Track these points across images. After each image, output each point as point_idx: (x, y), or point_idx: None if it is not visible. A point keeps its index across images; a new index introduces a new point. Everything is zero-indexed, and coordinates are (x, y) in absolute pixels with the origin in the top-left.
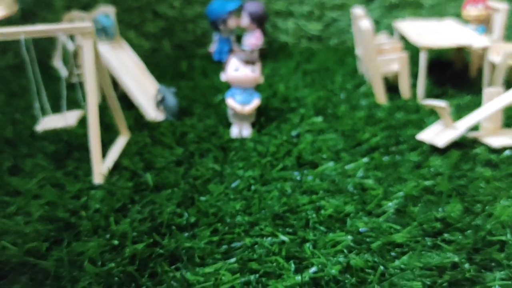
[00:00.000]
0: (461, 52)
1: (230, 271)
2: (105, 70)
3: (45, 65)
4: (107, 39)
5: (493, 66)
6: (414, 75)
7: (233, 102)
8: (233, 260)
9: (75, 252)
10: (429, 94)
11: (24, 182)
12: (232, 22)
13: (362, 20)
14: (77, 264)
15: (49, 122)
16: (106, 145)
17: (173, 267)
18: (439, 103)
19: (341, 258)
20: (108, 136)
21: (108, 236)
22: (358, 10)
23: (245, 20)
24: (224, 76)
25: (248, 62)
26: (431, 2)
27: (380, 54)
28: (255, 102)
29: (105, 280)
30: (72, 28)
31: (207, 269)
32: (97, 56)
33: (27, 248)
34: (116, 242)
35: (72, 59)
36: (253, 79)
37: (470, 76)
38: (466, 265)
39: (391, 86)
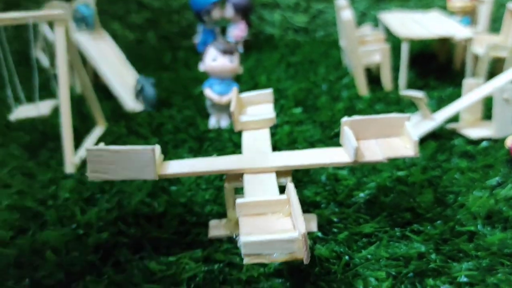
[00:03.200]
0: (446, 44)
1: (194, 260)
2: (79, 59)
3: (27, 56)
4: (87, 29)
5: (476, 58)
6: (397, 68)
7: (211, 92)
8: (198, 250)
9: (39, 241)
10: (412, 86)
11: None
12: (216, 13)
13: (344, 10)
14: (40, 254)
15: (22, 112)
16: (82, 135)
17: (137, 256)
18: (416, 94)
19: None
20: (84, 125)
21: (74, 226)
22: (341, 1)
23: (229, 11)
24: (202, 66)
25: (226, 52)
26: None
27: (363, 45)
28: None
29: (66, 268)
30: (43, 15)
31: (171, 258)
32: (71, 44)
33: None
34: (81, 231)
35: (53, 49)
36: (231, 69)
37: (454, 68)
38: (433, 256)
39: (374, 77)
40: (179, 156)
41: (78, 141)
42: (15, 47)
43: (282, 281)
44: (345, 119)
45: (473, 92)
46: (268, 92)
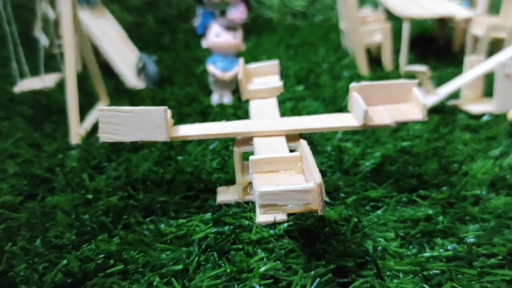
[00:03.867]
0: (445, 27)
1: (204, 222)
2: (85, 35)
3: (27, 37)
4: (89, 7)
5: (476, 40)
6: (396, 50)
7: (214, 68)
8: (208, 214)
9: (48, 205)
10: None
11: (1, 143)
12: None
13: None
14: (51, 216)
15: (27, 84)
16: (85, 110)
17: (147, 219)
18: (420, 68)
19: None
20: (87, 101)
21: (83, 191)
22: None
23: None
24: (205, 43)
25: (230, 28)
26: None
27: (364, 25)
28: (236, 68)
29: (77, 229)
30: None
31: (181, 220)
32: (77, 21)
33: (1, 202)
34: (90, 196)
35: (52, 28)
36: (234, 45)
37: (453, 50)
38: (440, 218)
39: (374, 58)
40: None
41: (81, 116)
42: (16, 28)
43: (293, 241)
44: (353, 84)
45: (475, 68)
46: (274, 64)
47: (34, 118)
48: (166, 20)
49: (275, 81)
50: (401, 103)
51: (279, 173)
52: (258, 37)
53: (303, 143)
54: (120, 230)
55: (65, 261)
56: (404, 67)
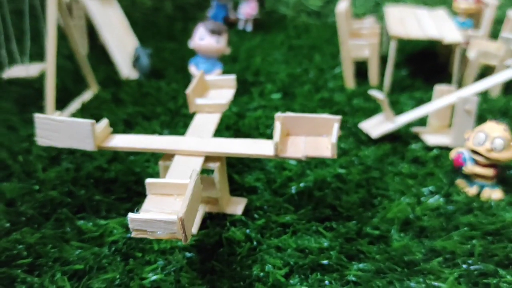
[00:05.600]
0: (448, 45)
1: (123, 226)
2: (72, 27)
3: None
4: None
5: (468, 62)
6: (396, 64)
7: (195, 69)
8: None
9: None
10: (398, 84)
11: None
12: None
13: (341, 1)
14: None
15: (15, 71)
16: (73, 96)
17: (78, 215)
18: (378, 95)
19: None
20: (77, 87)
21: (33, 181)
22: None
23: None
24: (191, 43)
25: (214, 32)
26: None
27: (355, 38)
28: (216, 72)
29: (13, 218)
30: None
31: (102, 222)
32: (65, 12)
33: None
34: (36, 187)
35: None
36: (216, 49)
37: (450, 70)
38: (332, 252)
39: (366, 70)
40: (150, 128)
41: (68, 101)
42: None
43: (192, 255)
44: (278, 114)
45: (441, 98)
46: (231, 78)
47: (21, 100)
48: (183, 7)
49: (225, 96)
50: (323, 136)
51: (172, 196)
52: (265, 34)
53: (193, 174)
54: (51, 223)
55: None
56: (369, 91)
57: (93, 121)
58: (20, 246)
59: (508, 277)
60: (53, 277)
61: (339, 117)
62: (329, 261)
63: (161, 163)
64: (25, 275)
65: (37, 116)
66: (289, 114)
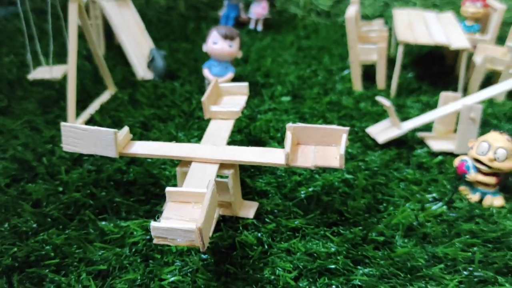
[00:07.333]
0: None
1: (142, 228)
2: (91, 31)
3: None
4: None
5: (474, 67)
6: (404, 66)
7: (208, 73)
8: (149, 220)
9: (26, 192)
10: (405, 88)
11: (10, 123)
12: None
13: (351, 6)
14: (24, 202)
15: (39, 73)
16: (92, 97)
17: (100, 216)
18: (385, 102)
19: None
20: (96, 88)
21: (57, 182)
22: None
23: None
24: (205, 47)
25: (227, 37)
26: None
27: (364, 42)
28: (229, 75)
29: (39, 219)
30: None
31: (123, 224)
32: (83, 13)
33: None
34: (60, 188)
35: None
36: (228, 53)
37: (456, 73)
38: (339, 257)
39: (375, 73)
40: (165, 130)
41: (87, 102)
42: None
43: (207, 257)
44: (289, 124)
45: (446, 105)
46: (244, 85)
47: (44, 101)
48: (196, 6)
49: (238, 104)
50: (332, 145)
51: (190, 204)
52: (275, 34)
53: (210, 184)
54: (75, 223)
55: (15, 248)
56: (377, 97)
57: (116, 130)
58: (48, 247)
59: (507, 285)
60: (78, 277)
61: (347, 128)
62: (336, 265)
63: (178, 169)
64: (53, 275)
65: (63, 124)
66: (300, 124)
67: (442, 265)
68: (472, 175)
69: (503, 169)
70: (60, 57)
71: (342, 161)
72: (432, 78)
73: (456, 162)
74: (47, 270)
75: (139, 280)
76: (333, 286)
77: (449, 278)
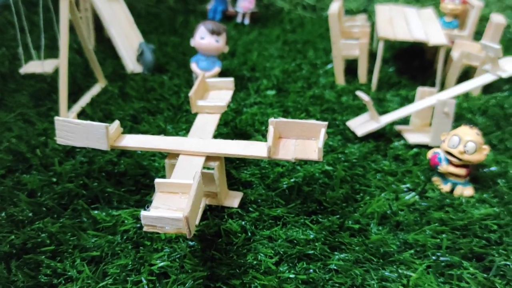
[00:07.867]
0: None
1: (133, 217)
2: (81, 26)
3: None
4: None
5: (451, 62)
6: (386, 60)
7: (196, 67)
8: (139, 209)
9: (21, 182)
10: (385, 82)
11: (4, 116)
12: None
13: (334, 2)
14: (20, 192)
15: (31, 67)
16: (83, 90)
17: (93, 206)
18: (364, 97)
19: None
20: (87, 81)
21: (51, 173)
22: None
23: None
24: (192, 42)
25: (214, 32)
26: None
27: (347, 37)
28: (215, 70)
29: (35, 208)
30: None
31: (114, 212)
32: (73, 7)
33: None
34: (54, 179)
35: None
36: (215, 48)
37: (436, 68)
38: (317, 244)
39: (356, 67)
40: (155, 123)
41: (78, 95)
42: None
43: (194, 244)
44: (271, 119)
45: (422, 100)
46: (229, 80)
47: (36, 94)
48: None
49: (224, 99)
50: (312, 139)
51: (177, 194)
52: (263, 27)
53: (196, 176)
54: (69, 212)
55: (12, 236)
56: (356, 91)
57: (107, 124)
58: (43, 235)
59: (471, 269)
60: (73, 263)
61: (325, 123)
62: (314, 251)
63: (167, 161)
64: (49, 260)
65: (57, 119)
66: (281, 119)
67: (412, 251)
68: (444, 167)
69: (472, 161)
70: (51, 50)
71: (321, 154)
72: (412, 73)
73: (429, 154)
74: (43, 257)
75: (130, 265)
76: (311, 270)
77: (419, 262)
